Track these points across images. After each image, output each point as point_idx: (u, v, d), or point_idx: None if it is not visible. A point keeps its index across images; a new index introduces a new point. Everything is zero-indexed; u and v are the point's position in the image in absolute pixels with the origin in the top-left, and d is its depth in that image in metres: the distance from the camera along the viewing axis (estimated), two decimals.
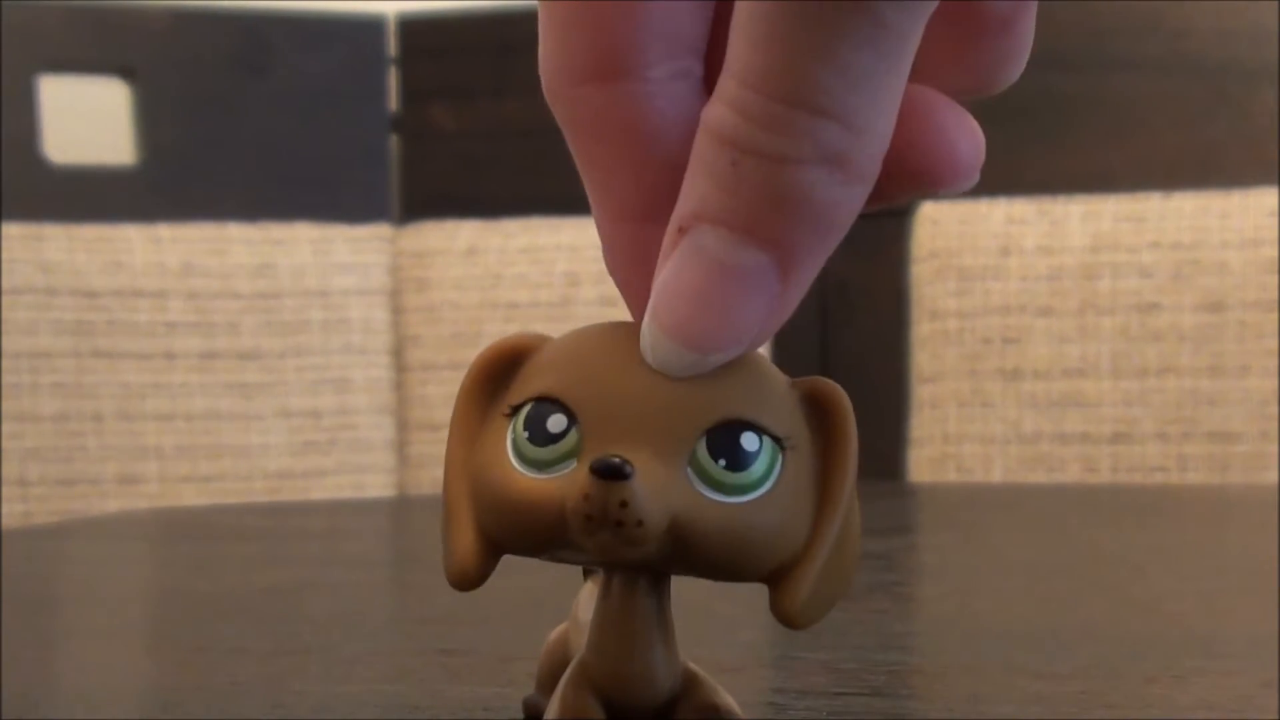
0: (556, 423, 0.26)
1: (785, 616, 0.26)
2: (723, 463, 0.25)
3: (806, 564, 0.26)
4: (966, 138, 0.26)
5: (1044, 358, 1.31)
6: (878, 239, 1.42)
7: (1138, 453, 1.30)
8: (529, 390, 0.26)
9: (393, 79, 1.58)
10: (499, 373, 0.27)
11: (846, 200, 0.24)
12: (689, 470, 0.25)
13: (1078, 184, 1.39)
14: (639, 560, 0.25)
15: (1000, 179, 1.41)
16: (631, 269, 0.27)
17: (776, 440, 0.26)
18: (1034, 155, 1.45)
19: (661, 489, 0.25)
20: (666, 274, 0.25)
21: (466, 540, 0.26)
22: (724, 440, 0.26)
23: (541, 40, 0.27)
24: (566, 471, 0.25)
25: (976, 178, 0.26)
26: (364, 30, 1.57)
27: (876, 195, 0.25)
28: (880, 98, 0.24)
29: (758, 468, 0.26)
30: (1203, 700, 0.37)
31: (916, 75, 0.25)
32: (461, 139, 1.56)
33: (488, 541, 0.26)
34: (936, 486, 1.27)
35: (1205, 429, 1.28)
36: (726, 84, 0.24)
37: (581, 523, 0.25)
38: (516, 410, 0.26)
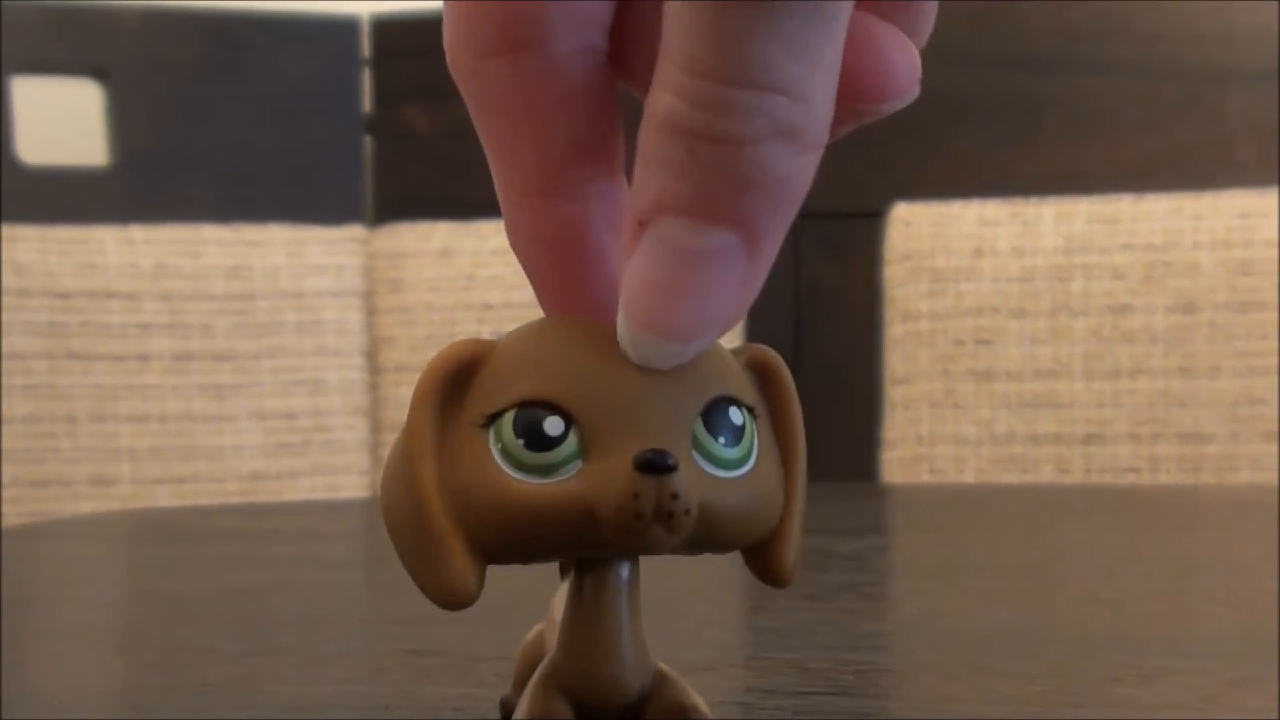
0: (553, 425, 0.25)
1: (777, 578, 0.27)
2: (721, 440, 0.26)
3: (788, 525, 0.27)
4: (901, 53, 0.26)
5: (1016, 359, 1.32)
6: (851, 240, 1.42)
7: (1110, 453, 1.30)
8: (506, 396, 0.26)
9: (366, 80, 1.58)
10: (454, 383, 0.26)
11: (802, 169, 0.24)
12: (695, 454, 0.26)
13: (1050, 186, 1.39)
14: (667, 550, 0.26)
15: (973, 180, 1.42)
16: (534, 244, 0.27)
17: (750, 410, 0.26)
18: (1006, 157, 1.45)
19: (690, 475, 0.25)
20: (633, 270, 0.25)
21: (459, 559, 0.26)
22: (717, 418, 0.26)
23: (446, 14, 0.27)
24: (574, 473, 0.25)
25: (916, 92, 0.26)
26: (338, 31, 1.57)
27: None
28: (822, 65, 0.24)
29: (745, 440, 0.26)
30: (1168, 699, 0.37)
31: None
32: (436, 140, 1.56)
33: (480, 555, 0.26)
34: (909, 487, 1.28)
35: (1176, 430, 1.29)
36: (669, 73, 0.24)
37: (630, 521, 0.25)
38: (494, 419, 0.26)
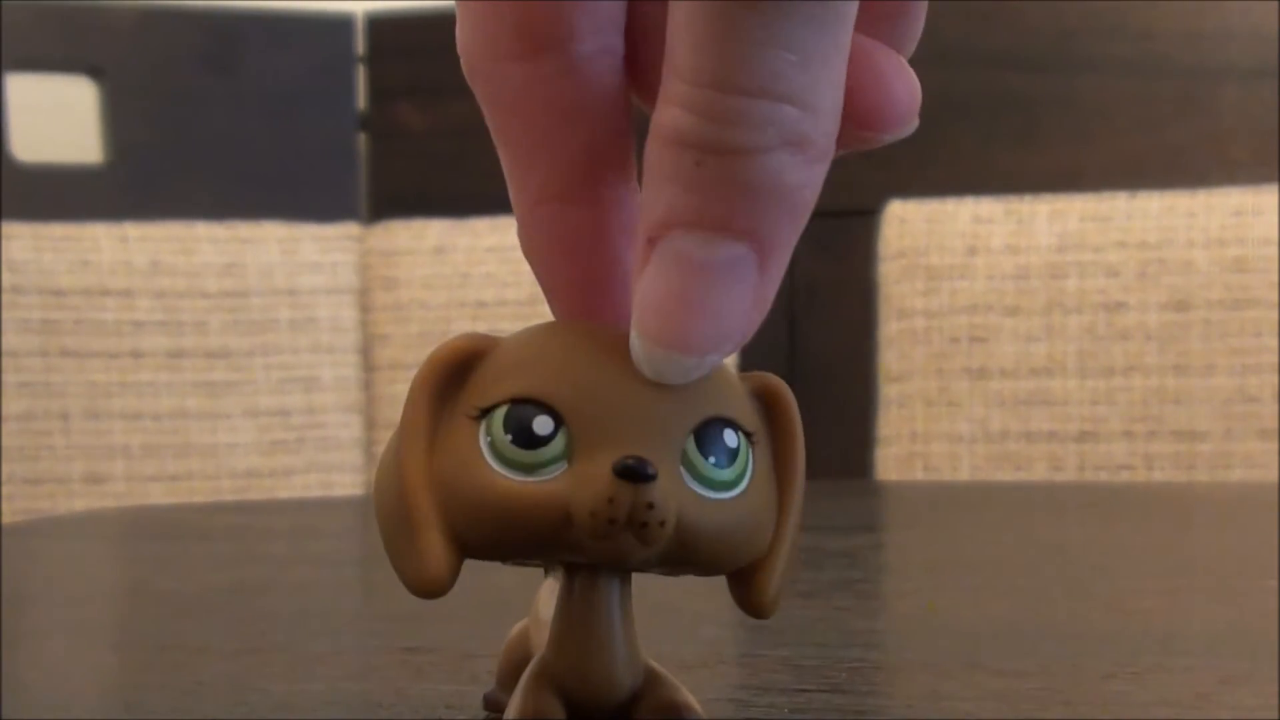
0: (542, 424, 0.25)
1: (758, 609, 0.27)
2: (712, 460, 0.26)
3: (775, 555, 0.27)
4: (903, 82, 0.26)
5: (1011, 356, 1.32)
6: (845, 238, 1.42)
7: (1104, 451, 1.30)
8: (501, 391, 0.26)
9: (361, 78, 1.58)
10: (454, 374, 0.26)
11: (812, 179, 0.24)
12: (682, 469, 0.25)
13: (1045, 184, 1.39)
14: (640, 562, 0.25)
15: (967, 178, 1.42)
16: (549, 250, 0.27)
17: (748, 436, 0.26)
18: (1001, 155, 1.45)
19: (670, 489, 0.25)
20: (645, 285, 0.25)
21: (436, 547, 0.26)
22: (710, 438, 0.26)
23: (461, 16, 0.26)
24: (558, 474, 0.25)
25: (915, 122, 0.26)
26: (332, 29, 1.57)
27: None
28: (829, 73, 0.24)
29: (739, 463, 0.26)
30: (1161, 697, 0.37)
31: None
32: (430, 138, 1.56)
33: (458, 547, 0.26)
34: (904, 485, 1.28)
35: (1171, 428, 1.29)
36: (675, 86, 0.24)
37: (603, 526, 0.25)
38: (487, 412, 0.26)
